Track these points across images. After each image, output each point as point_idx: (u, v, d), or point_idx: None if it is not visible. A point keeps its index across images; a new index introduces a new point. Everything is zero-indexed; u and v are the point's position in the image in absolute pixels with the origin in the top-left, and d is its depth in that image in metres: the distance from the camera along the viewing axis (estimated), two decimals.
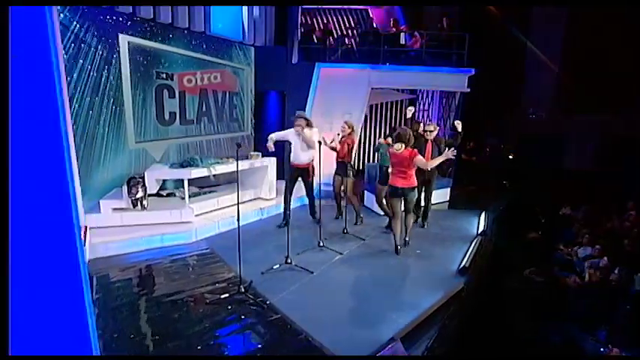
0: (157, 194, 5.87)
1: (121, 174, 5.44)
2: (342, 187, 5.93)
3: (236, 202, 5.02)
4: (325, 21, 9.62)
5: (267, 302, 3.70)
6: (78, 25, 4.88)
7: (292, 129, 5.49)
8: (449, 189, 8.02)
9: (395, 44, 8.48)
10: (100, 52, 5.15)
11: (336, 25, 9.61)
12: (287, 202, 5.68)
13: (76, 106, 4.90)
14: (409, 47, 8.68)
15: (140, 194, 5.14)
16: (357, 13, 9.64)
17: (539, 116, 10.85)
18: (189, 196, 5.79)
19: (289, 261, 4.50)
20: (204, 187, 6.39)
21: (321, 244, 5.11)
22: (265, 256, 4.74)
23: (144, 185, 5.18)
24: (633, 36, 9.53)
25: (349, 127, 5.78)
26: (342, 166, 5.86)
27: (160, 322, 3.40)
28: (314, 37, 8.96)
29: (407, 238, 5.16)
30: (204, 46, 6.77)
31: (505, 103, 10.29)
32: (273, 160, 6.85)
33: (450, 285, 4.13)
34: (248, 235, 4.84)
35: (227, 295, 3.78)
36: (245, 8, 7.93)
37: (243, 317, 3.47)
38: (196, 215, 5.61)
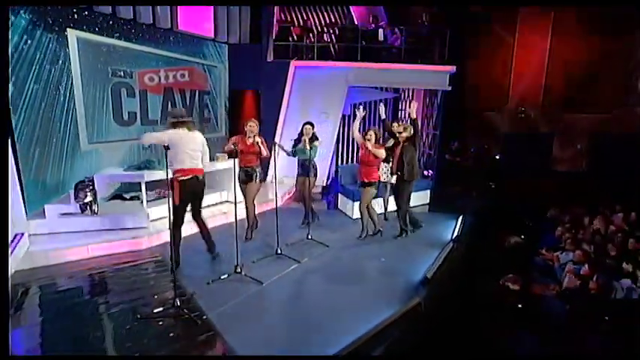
0: (121, 197, 5.56)
1: (74, 177, 5.12)
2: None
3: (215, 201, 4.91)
4: (305, 17, 9.27)
5: (204, 317, 3.37)
6: (26, 19, 4.59)
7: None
8: (429, 191, 7.65)
9: (373, 41, 8.13)
10: (50, 48, 4.85)
11: (316, 22, 9.26)
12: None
13: (25, 105, 4.64)
14: (389, 44, 8.33)
15: (89, 198, 4.83)
16: (337, 9, 9.28)
17: (527, 115, 10.47)
18: (150, 200, 5.50)
19: (239, 270, 4.17)
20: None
21: (280, 251, 4.78)
22: (217, 263, 4.42)
23: (93, 189, 4.86)
24: (625, 29, 9.15)
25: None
26: (305, 167, 5.51)
27: (79, 338, 3.08)
28: (292, 33, 8.64)
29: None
30: (170, 43, 6.47)
31: (491, 101, 9.91)
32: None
33: (409, 297, 3.78)
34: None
35: (161, 309, 3.45)
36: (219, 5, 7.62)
37: (171, 334, 3.14)
38: (153, 220, 5.28)
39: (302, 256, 4.75)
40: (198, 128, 7.30)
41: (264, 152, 4.86)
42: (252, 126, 4.90)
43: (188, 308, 3.46)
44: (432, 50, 7.96)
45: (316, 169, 5.64)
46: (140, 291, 3.86)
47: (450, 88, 7.96)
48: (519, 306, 4.53)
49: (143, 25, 6.10)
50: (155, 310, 3.43)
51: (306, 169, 5.45)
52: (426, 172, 9.01)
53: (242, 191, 5.05)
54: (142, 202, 5.35)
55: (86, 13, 5.31)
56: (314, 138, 5.36)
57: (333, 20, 9.27)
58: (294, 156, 5.61)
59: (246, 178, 5.00)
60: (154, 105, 6.18)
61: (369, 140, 5.12)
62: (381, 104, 5.76)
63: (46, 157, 4.94)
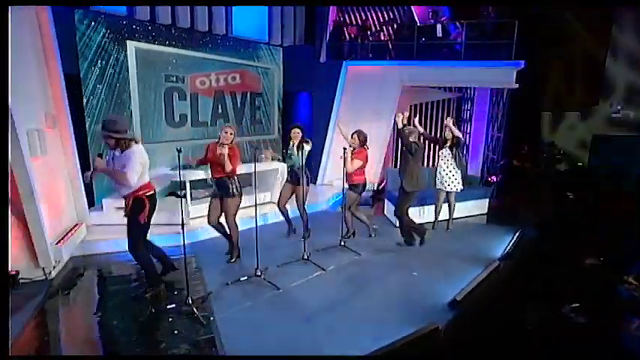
0: (175, 194, 5.92)
1: None
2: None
3: (246, 205, 4.89)
4: (363, 17, 8.98)
5: (211, 318, 3.38)
6: (92, 29, 5.17)
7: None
8: (487, 200, 6.87)
9: (431, 38, 7.55)
10: (114, 57, 5.38)
11: (374, 20, 8.91)
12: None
13: (95, 108, 5.27)
14: (452, 40, 7.67)
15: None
16: (396, 7, 8.82)
17: (625, 115, 8.88)
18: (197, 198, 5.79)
19: (259, 273, 4.13)
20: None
21: (307, 257, 4.64)
22: (243, 265, 4.44)
23: None
24: None
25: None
26: (294, 174, 5.09)
27: (91, 326, 3.30)
28: (346, 33, 8.42)
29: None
30: (224, 48, 6.70)
31: (572, 100, 8.57)
32: (280, 164, 6.51)
33: (431, 320, 3.36)
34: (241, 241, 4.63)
35: (174, 305, 3.54)
36: (273, 9, 7.73)
37: (175, 332, 3.19)
38: (193, 218, 5.52)
39: (329, 263, 4.56)
40: (249, 130, 7.64)
41: (227, 167, 4.13)
42: (227, 132, 4.24)
43: (199, 307, 3.51)
44: (497, 45, 7.12)
45: (309, 177, 5.16)
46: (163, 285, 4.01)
47: (516, 86, 7.06)
48: (584, 343, 3.80)
49: (198, 33, 6.42)
50: (168, 307, 3.53)
51: (295, 175, 5.06)
52: (490, 179, 8.17)
53: (216, 207, 4.44)
54: (182, 199, 5.59)
55: (147, 24, 5.75)
56: (304, 142, 4.90)
57: (392, 17, 8.84)
58: (285, 162, 5.20)
59: (218, 192, 4.37)
60: (205, 107, 6.46)
61: (351, 145, 4.93)
62: (399, 113, 5.19)
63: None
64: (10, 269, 3.95)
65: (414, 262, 4.74)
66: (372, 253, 4.98)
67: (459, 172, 5.67)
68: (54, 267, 4.17)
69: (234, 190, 4.34)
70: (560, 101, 8.34)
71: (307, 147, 4.89)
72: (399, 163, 5.18)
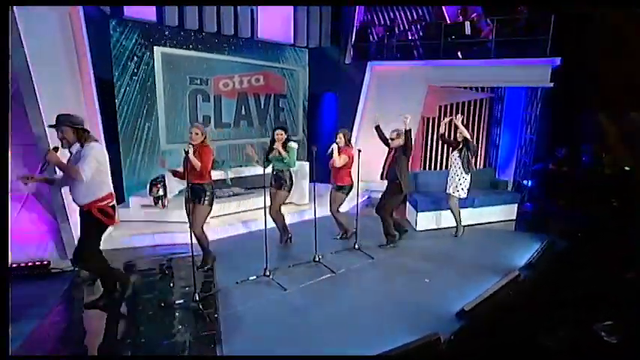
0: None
1: (155, 173, 5.82)
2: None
3: (260, 205, 4.96)
4: (392, 16, 8.81)
5: (215, 315, 3.45)
6: (125, 36, 5.49)
7: None
8: (515, 205, 6.50)
9: (459, 35, 7.25)
10: (144, 62, 5.67)
11: (402, 19, 8.71)
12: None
13: (125, 111, 5.59)
14: (482, 37, 7.32)
15: (160, 193, 5.42)
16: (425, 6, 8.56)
17: None
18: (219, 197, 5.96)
19: (267, 273, 4.16)
20: (250, 187, 6.46)
21: (318, 259, 4.62)
22: (256, 264, 4.47)
23: (164, 185, 5.44)
24: None
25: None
26: (279, 178, 4.85)
27: (104, 314, 3.47)
28: (373, 33, 8.30)
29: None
30: (248, 50, 6.83)
31: (616, 100, 7.87)
32: (305, 164, 6.53)
33: (435, 329, 3.23)
34: (255, 241, 4.68)
35: (182, 301, 3.65)
36: (299, 11, 7.77)
37: (179, 327, 3.29)
38: (211, 217, 5.66)
39: (340, 266, 4.51)
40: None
41: (195, 165, 3.88)
42: (192, 133, 4.01)
43: (205, 304, 3.59)
44: (530, 41, 6.70)
45: (291, 181, 4.89)
46: (176, 280, 4.15)
47: (551, 85, 6.61)
48: None
49: (224, 36, 6.59)
50: (177, 301, 3.65)
51: (279, 180, 4.82)
52: (523, 183, 7.74)
53: (187, 214, 4.06)
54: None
55: (175, 30, 5.99)
56: (289, 141, 4.72)
57: (420, 16, 8.59)
58: (265, 166, 4.75)
59: (191, 197, 3.99)
60: (228, 109, 6.62)
61: (337, 143, 4.80)
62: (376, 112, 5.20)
63: (135, 154, 5.73)
64: (42, 260, 4.27)
65: (429, 267, 4.58)
66: (387, 257, 4.87)
67: (466, 177, 5.38)
68: None
69: (205, 199, 4.08)
70: (610, 100, 7.66)
71: (294, 145, 4.72)
72: (395, 165, 5.02)
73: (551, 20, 6.46)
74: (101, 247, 4.81)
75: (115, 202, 3.39)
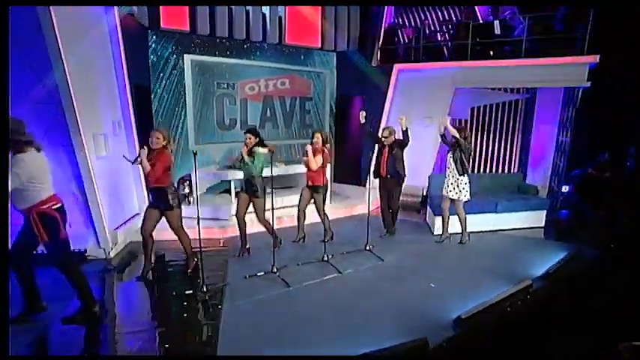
0: (228, 191, 6.48)
1: (184, 172, 6.19)
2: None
3: (284, 204, 5.41)
4: (422, 17, 8.63)
5: (219, 307, 3.64)
6: (161, 46, 5.98)
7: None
8: (544, 212, 6.12)
9: (487, 35, 6.94)
10: (178, 67, 6.11)
11: (433, 20, 8.50)
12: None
13: (160, 113, 6.06)
14: (514, 36, 6.96)
15: (187, 190, 5.77)
16: (457, 6, 8.27)
17: None
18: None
19: (274, 270, 4.31)
20: (281, 187, 6.70)
21: (326, 258, 4.69)
22: (268, 261, 4.62)
23: (190, 183, 5.78)
24: None
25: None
26: (248, 184, 4.63)
27: (124, 297, 3.80)
28: (403, 35, 8.18)
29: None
30: (273, 55, 7.04)
31: None
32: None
33: (428, 334, 3.18)
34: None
35: (191, 291, 3.89)
36: (327, 16, 7.85)
37: (184, 315, 3.52)
38: (234, 215, 5.92)
39: (347, 267, 4.55)
40: (299, 133, 7.87)
41: (145, 167, 3.87)
42: (152, 137, 3.93)
43: (212, 296, 3.81)
44: (565, 39, 6.27)
45: (264, 188, 4.62)
46: (190, 273, 4.40)
47: (587, 85, 6.14)
48: None
49: (252, 43, 6.85)
50: (186, 292, 3.89)
51: (249, 185, 4.60)
52: (560, 189, 7.25)
53: (152, 218, 4.12)
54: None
55: (206, 38, 6.34)
56: (258, 146, 4.49)
57: (451, 16, 8.33)
58: (239, 169, 4.75)
59: (154, 204, 4.08)
60: (254, 111, 6.87)
61: (314, 144, 4.79)
62: (362, 111, 5.26)
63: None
64: (79, 248, 4.74)
65: (439, 272, 4.48)
66: (396, 260, 4.83)
67: (461, 178, 5.15)
68: (112, 248, 4.87)
69: (172, 203, 4.05)
70: None
71: (261, 151, 4.48)
72: (392, 161, 5.23)
73: (589, 15, 6.01)
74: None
75: (59, 204, 3.21)
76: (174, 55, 6.07)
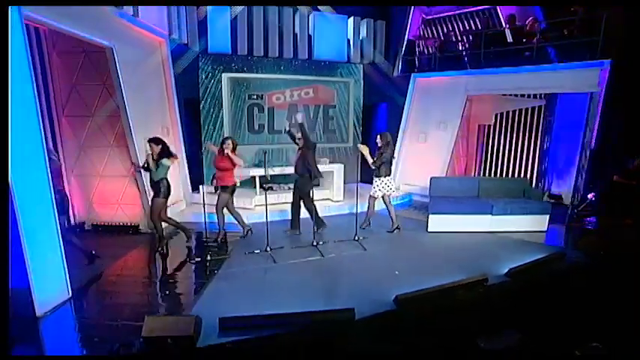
0: (262, 187, 7.49)
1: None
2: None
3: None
4: (447, 29, 8.74)
5: (215, 271, 4.54)
6: (207, 64, 7.23)
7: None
8: (547, 217, 5.98)
9: (500, 43, 6.93)
10: (216, 84, 7.28)
11: (456, 31, 8.56)
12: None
13: (207, 120, 7.28)
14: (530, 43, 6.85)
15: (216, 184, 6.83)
16: (484, 16, 8.23)
17: None
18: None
19: (267, 249, 5.10)
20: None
21: (315, 244, 5.33)
22: (271, 243, 5.36)
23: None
24: None
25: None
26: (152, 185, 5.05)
27: (142, 260, 4.90)
28: (427, 46, 8.41)
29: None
30: (302, 69, 7.88)
31: None
32: (341, 166, 7.23)
33: (365, 308, 3.65)
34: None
35: (200, 259, 4.86)
36: (351, 31, 8.46)
37: (188, 274, 4.50)
38: (257, 205, 6.85)
39: (331, 252, 5.14)
40: (322, 138, 8.54)
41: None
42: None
43: (212, 262, 4.73)
44: (576, 44, 6.06)
45: (167, 189, 5.04)
46: (207, 247, 5.35)
47: (599, 90, 5.86)
48: None
49: (284, 59, 7.78)
50: (196, 259, 4.88)
51: (152, 186, 5.03)
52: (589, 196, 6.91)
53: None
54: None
55: (243, 57, 7.44)
56: (164, 156, 4.94)
57: (473, 27, 8.32)
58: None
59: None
60: (280, 118, 7.77)
61: (227, 148, 5.17)
62: (299, 112, 5.77)
63: (211, 154, 7.34)
64: (134, 222, 6.04)
65: (411, 263, 4.82)
66: (378, 251, 5.25)
67: (375, 179, 5.87)
68: None
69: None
70: None
71: (166, 163, 4.94)
72: (302, 160, 5.61)
73: (602, 20, 5.77)
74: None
75: None
76: (218, 73, 7.26)
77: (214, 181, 6.39)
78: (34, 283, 3.39)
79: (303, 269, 4.69)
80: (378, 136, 5.83)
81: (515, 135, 8.36)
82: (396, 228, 5.98)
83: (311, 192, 5.73)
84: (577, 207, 6.88)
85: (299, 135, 5.66)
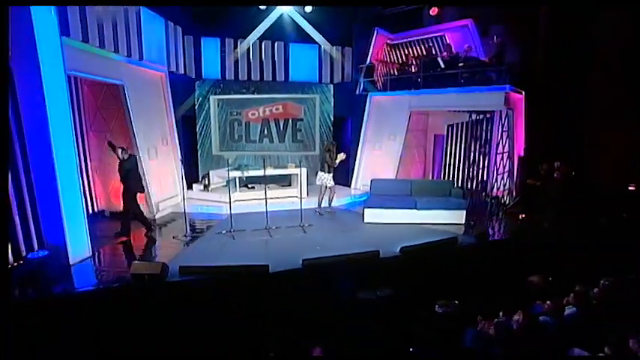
0: (246, 186, 9.48)
1: (209, 169, 9.38)
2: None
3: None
4: (405, 53, 10.39)
5: (190, 244, 6.51)
6: (202, 88, 9.38)
7: None
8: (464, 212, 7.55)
9: (434, 68, 8.61)
10: (207, 104, 9.38)
11: (417, 55, 10.17)
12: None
13: (201, 132, 9.41)
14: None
15: (206, 182, 8.87)
16: (436, 42, 9.87)
17: None
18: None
19: (231, 231, 7.03)
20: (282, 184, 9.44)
21: (267, 227, 7.23)
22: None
23: (208, 177, 8.88)
24: None
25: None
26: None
27: (137, 240, 6.92)
28: (381, 69, 10.14)
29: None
30: (272, 88, 9.89)
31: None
32: (304, 170, 9.10)
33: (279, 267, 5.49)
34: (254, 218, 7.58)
35: (193, 235, 6.87)
36: (323, 59, 10.35)
37: (168, 245, 6.49)
38: (237, 200, 8.79)
39: (278, 234, 7.00)
40: (291, 147, 10.44)
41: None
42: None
43: (192, 237, 6.71)
44: (490, 71, 7.73)
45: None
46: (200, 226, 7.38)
47: (503, 108, 7.48)
48: None
49: (265, 82, 9.82)
50: (178, 236, 6.88)
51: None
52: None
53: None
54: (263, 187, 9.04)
55: (229, 82, 9.52)
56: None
57: (430, 53, 9.91)
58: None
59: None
60: (255, 130, 9.89)
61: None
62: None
63: (206, 157, 9.46)
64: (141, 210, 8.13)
65: (335, 242, 6.55)
66: (313, 234, 7.05)
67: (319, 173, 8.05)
68: (156, 214, 8.14)
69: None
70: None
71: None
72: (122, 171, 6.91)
73: (505, 52, 7.38)
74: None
75: None
76: (208, 95, 9.37)
77: (203, 180, 8.47)
78: (70, 243, 5.43)
79: (252, 245, 6.56)
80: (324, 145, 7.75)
81: (465, 144, 9.86)
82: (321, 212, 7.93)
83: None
84: (506, 205, 8.46)
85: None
